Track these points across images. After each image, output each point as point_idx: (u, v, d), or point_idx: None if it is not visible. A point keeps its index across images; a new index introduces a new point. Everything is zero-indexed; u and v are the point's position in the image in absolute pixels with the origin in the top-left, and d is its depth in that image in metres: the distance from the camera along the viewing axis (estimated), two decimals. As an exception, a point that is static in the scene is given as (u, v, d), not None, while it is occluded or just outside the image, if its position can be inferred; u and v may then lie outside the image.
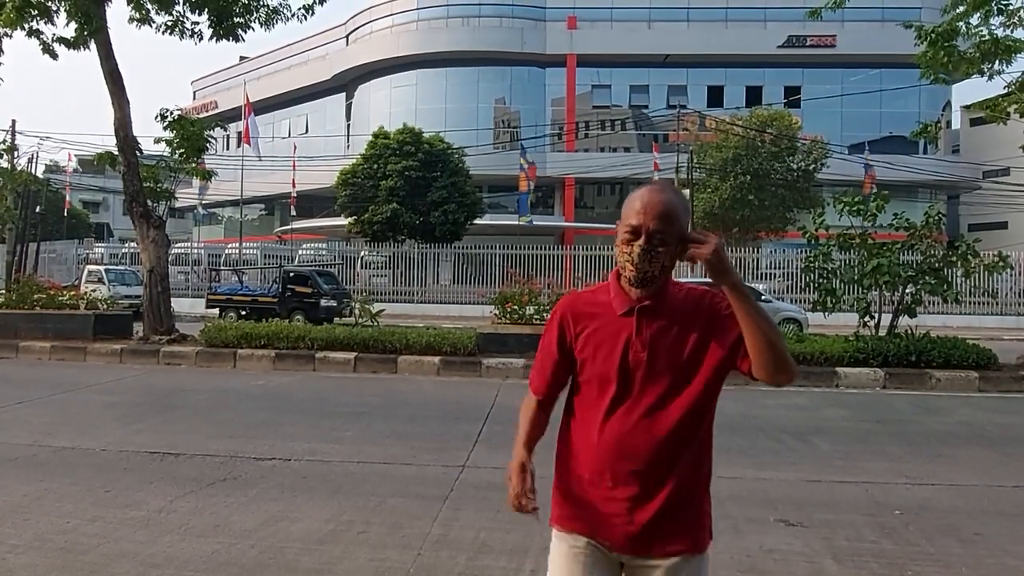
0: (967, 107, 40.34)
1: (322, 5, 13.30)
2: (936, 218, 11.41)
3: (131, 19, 12.94)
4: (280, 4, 13.15)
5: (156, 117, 13.25)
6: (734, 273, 1.70)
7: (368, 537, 4.10)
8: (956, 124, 44.73)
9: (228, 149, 42.31)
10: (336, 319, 17.89)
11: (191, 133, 13.39)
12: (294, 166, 35.99)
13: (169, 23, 13.15)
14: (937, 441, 6.80)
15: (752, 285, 20.48)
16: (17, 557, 3.72)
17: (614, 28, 40.39)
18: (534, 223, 30.59)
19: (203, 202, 33.66)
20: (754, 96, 38.59)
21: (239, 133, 39.59)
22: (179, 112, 13.63)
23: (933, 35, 11.08)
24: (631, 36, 39.70)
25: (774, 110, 32.69)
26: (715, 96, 40.08)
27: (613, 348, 1.81)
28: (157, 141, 13.78)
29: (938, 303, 13.68)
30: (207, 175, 15.48)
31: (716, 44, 38.76)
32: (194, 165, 14.40)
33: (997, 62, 11.30)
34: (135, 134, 12.87)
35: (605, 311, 1.85)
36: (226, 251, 30.94)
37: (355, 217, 28.70)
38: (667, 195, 1.77)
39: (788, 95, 38.27)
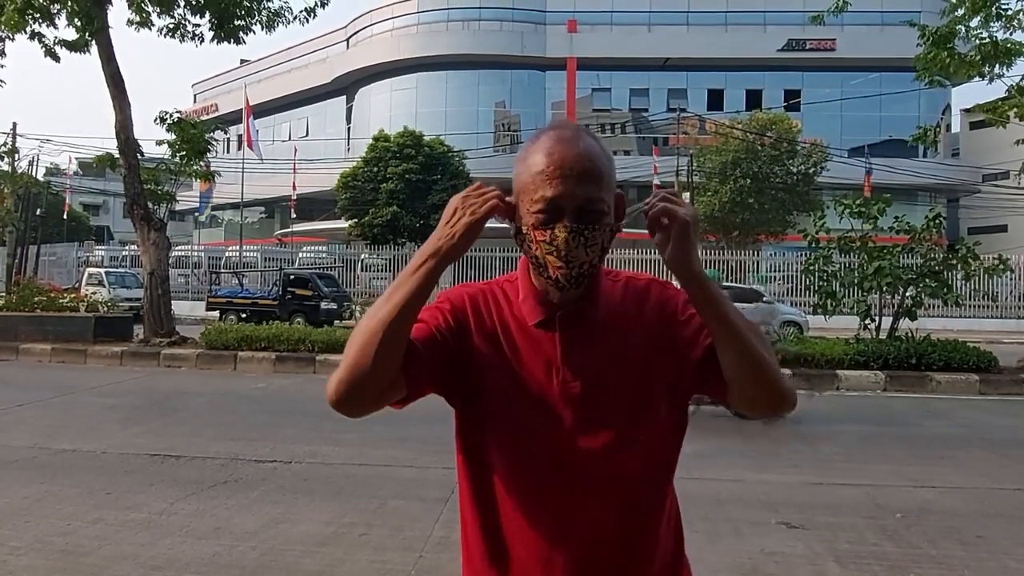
0: (967, 111, 40.41)
1: (323, 8, 13.32)
2: (936, 221, 11.43)
3: (130, 22, 12.94)
4: (282, 7, 13.18)
5: (156, 120, 13.28)
6: (697, 258, 1.15)
7: (369, 539, 4.09)
8: (956, 128, 44.78)
9: (228, 152, 42.32)
10: (336, 322, 17.89)
11: (192, 135, 13.41)
12: (294, 169, 36.01)
13: (170, 26, 13.16)
14: (938, 444, 6.81)
15: (753, 288, 20.50)
16: (18, 559, 3.72)
17: (614, 31, 40.45)
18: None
19: (208, 205, 33.64)
20: (754, 100, 38.62)
21: (239, 136, 39.62)
22: (179, 115, 13.63)
23: (935, 35, 11.09)
24: (631, 39, 39.74)
25: (774, 114, 32.75)
26: (715, 99, 40.10)
27: (528, 377, 1.21)
28: (159, 143, 13.80)
29: (938, 306, 13.70)
30: (209, 176, 15.49)
31: (716, 48, 38.80)
32: (196, 168, 14.40)
33: (997, 65, 11.32)
34: (136, 136, 12.90)
35: (514, 319, 1.25)
36: (226, 254, 30.98)
37: (355, 220, 28.73)
38: (585, 141, 1.17)
39: (788, 99, 38.29)
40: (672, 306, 1.26)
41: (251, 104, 31.28)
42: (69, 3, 12.06)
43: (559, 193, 1.13)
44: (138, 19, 12.91)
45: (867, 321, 11.29)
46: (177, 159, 13.78)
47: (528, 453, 1.21)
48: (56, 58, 12.91)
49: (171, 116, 13.43)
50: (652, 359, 1.23)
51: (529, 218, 1.17)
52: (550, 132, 1.20)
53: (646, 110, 40.47)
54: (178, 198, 15.32)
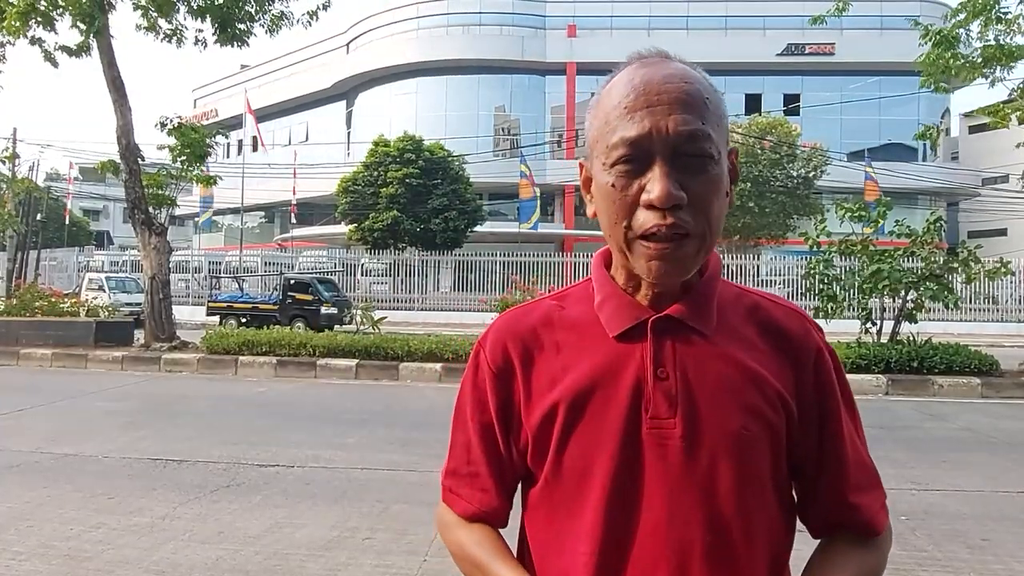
0: (966, 114, 40.48)
1: (326, 11, 13.34)
2: (937, 225, 11.43)
3: (138, 27, 12.98)
4: (284, 10, 13.20)
5: (156, 125, 13.32)
6: None
7: (373, 543, 4.08)
8: (955, 132, 44.86)
9: (228, 157, 42.36)
10: (337, 327, 17.88)
11: (192, 140, 13.43)
12: (295, 174, 36.04)
13: (168, 31, 13.17)
14: (941, 447, 6.79)
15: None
16: (21, 564, 3.71)
17: (614, 36, 40.51)
18: (538, 229, 30.55)
19: (208, 209, 33.60)
20: (753, 104, 38.70)
21: (239, 141, 39.67)
22: (179, 120, 13.67)
23: (937, 36, 11.11)
24: (631, 44, 38.05)
25: (773, 117, 32.81)
26: (714, 104, 40.14)
27: (604, 408, 0.89)
28: (160, 148, 13.84)
29: (939, 309, 13.67)
30: (210, 181, 15.51)
31: (715, 52, 38.77)
32: (197, 172, 14.42)
33: (999, 68, 11.34)
34: (137, 141, 12.91)
35: (584, 335, 0.94)
36: (226, 259, 30.99)
37: (355, 225, 28.75)
38: (677, 63, 0.88)
39: (787, 103, 38.38)
40: (818, 363, 0.95)
41: (251, 109, 31.27)
42: (70, 5, 12.08)
43: (645, 130, 0.82)
44: (146, 24, 12.94)
45: (868, 325, 11.28)
46: (178, 164, 13.82)
47: (595, 509, 0.89)
48: (55, 63, 12.92)
49: (171, 121, 13.47)
50: (770, 418, 0.90)
51: (605, 176, 0.85)
52: (631, 62, 0.89)
53: (646, 114, 40.44)
54: (179, 203, 15.33)
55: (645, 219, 0.83)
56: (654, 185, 0.81)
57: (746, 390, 0.89)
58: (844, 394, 0.98)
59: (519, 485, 1.02)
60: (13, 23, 11.72)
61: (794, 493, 1.00)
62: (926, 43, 11.41)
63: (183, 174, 14.25)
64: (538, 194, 30.11)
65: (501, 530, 1.02)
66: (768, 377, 0.90)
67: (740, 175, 0.92)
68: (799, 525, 1.03)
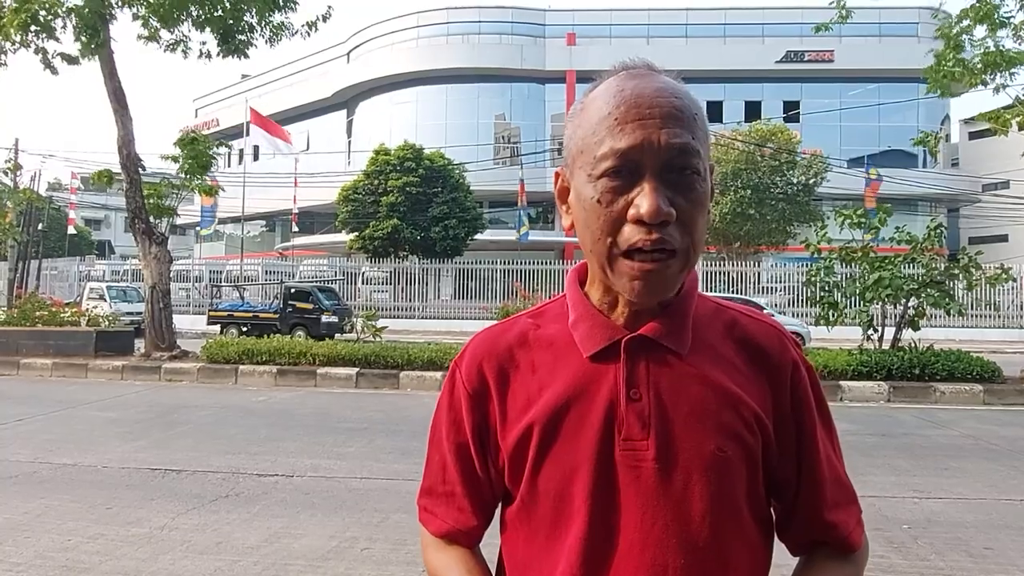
0: (966, 121, 40.54)
1: (325, 22, 13.38)
2: (937, 231, 11.42)
3: (139, 37, 13.03)
4: (284, 21, 13.24)
5: (175, 144, 13.56)
6: None
7: (372, 554, 4.06)
8: (955, 138, 44.93)
9: (229, 166, 42.45)
10: (337, 335, 17.87)
11: (199, 152, 13.53)
12: (295, 182, 36.10)
13: (171, 42, 13.23)
14: (943, 454, 6.76)
15: (753, 299, 20.49)
16: (18, 575, 3.69)
17: (613, 44, 40.65)
18: (529, 238, 30.56)
19: (214, 219, 33.62)
20: (753, 111, 38.75)
21: (240, 150, 39.76)
22: (193, 134, 13.83)
23: (948, 36, 11.13)
24: (630, 52, 37.44)
25: (773, 125, 32.83)
26: (714, 111, 40.23)
27: (578, 430, 0.87)
28: (164, 158, 13.92)
29: (941, 316, 13.66)
30: (213, 191, 15.54)
31: (714, 60, 39.00)
32: (200, 182, 14.46)
33: (999, 75, 11.33)
34: (138, 151, 12.94)
35: (559, 355, 0.92)
36: (227, 267, 31.02)
37: (356, 233, 28.78)
38: (666, 76, 0.88)
39: (787, 110, 38.43)
40: (796, 381, 0.93)
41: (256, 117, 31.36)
42: (75, 17, 12.12)
43: (636, 142, 0.80)
44: (146, 34, 12.99)
45: (870, 331, 11.26)
46: (182, 174, 13.89)
47: (571, 534, 0.87)
48: (55, 71, 12.93)
49: (188, 136, 13.65)
50: (746, 439, 0.88)
51: (590, 189, 0.83)
52: (617, 72, 0.89)
53: (645, 122, 40.51)
54: (179, 212, 15.37)
55: (631, 234, 0.81)
56: (643, 200, 0.79)
57: (722, 411, 0.87)
58: (820, 409, 0.98)
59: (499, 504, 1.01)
60: (11, 32, 11.74)
61: (772, 512, 0.98)
62: (939, 38, 11.38)
63: (186, 184, 14.29)
64: (524, 204, 30.15)
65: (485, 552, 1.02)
66: (745, 398, 0.89)
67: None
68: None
